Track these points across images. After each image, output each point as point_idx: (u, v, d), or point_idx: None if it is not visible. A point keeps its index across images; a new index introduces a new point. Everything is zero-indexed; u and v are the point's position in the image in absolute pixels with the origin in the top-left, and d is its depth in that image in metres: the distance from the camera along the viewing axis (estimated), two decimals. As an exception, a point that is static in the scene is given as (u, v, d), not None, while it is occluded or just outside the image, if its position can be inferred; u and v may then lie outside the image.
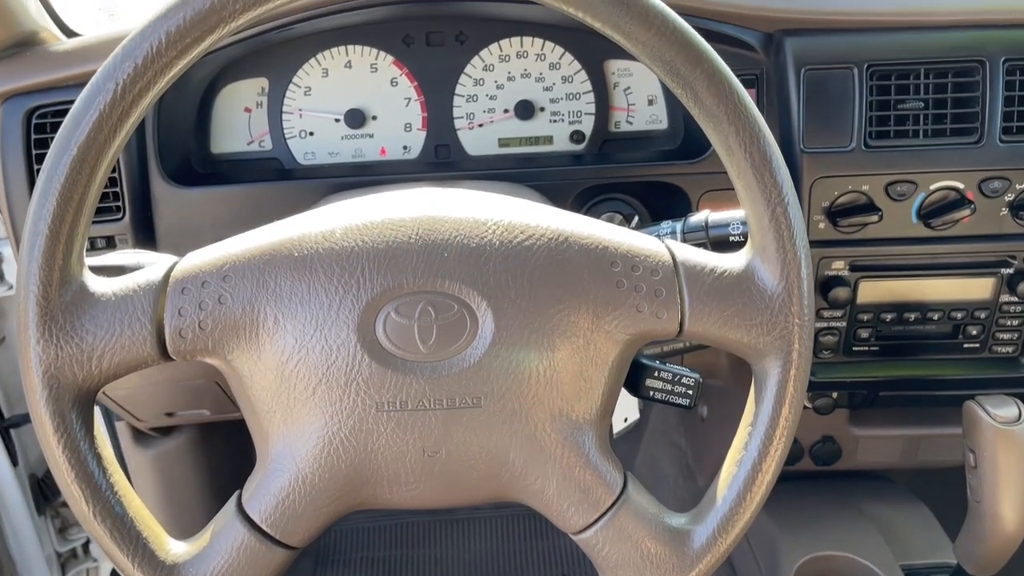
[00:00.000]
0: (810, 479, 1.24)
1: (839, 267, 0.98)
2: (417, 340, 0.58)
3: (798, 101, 0.89)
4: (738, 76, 0.91)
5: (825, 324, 1.01)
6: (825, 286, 0.98)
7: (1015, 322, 1.00)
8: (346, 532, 1.66)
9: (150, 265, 0.62)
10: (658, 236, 0.68)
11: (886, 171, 0.92)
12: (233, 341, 0.58)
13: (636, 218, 0.96)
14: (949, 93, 0.89)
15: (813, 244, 0.96)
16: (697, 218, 0.80)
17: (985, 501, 0.92)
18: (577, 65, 1.01)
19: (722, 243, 0.78)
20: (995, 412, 0.91)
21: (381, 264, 0.58)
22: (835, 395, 1.08)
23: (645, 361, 0.71)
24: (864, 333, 1.02)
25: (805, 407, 1.09)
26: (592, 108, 1.02)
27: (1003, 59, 0.87)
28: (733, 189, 0.94)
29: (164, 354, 0.59)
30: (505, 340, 0.58)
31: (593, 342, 0.61)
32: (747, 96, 0.60)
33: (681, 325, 0.61)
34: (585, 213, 0.95)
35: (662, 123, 1.02)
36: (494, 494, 0.64)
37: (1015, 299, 0.98)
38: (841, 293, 0.98)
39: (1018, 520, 0.92)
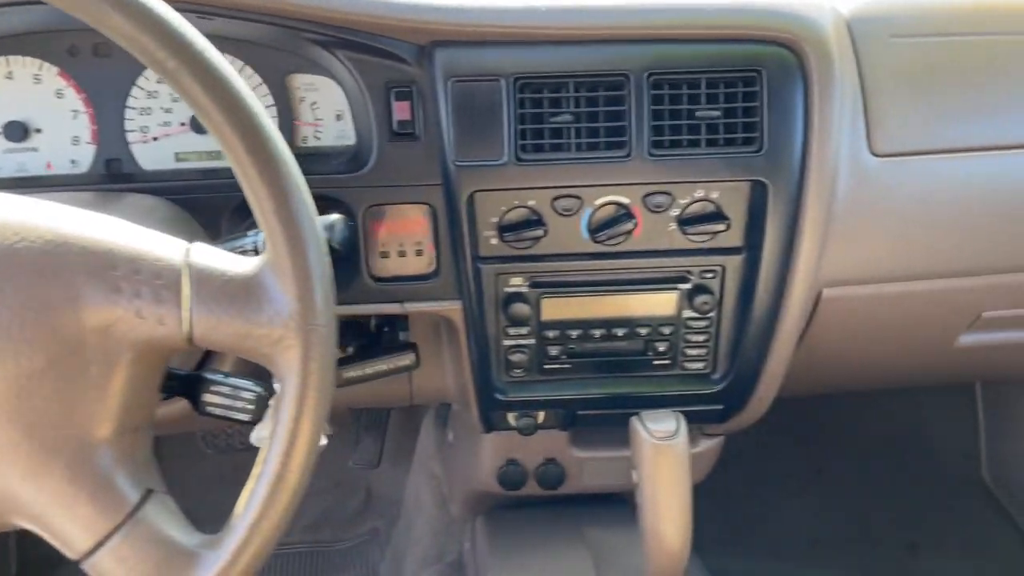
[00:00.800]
0: (543, 505, 1.21)
1: (518, 283, 0.96)
2: None
3: (447, 113, 0.88)
4: (393, 89, 0.92)
5: (513, 342, 1.00)
6: (506, 303, 0.97)
7: (701, 338, 1.00)
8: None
9: None
10: (240, 247, 0.65)
11: (548, 185, 0.91)
12: None
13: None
14: (601, 107, 0.89)
15: (486, 260, 0.94)
16: None
17: (647, 520, 0.91)
18: (258, 78, 0.98)
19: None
20: (653, 428, 0.91)
21: None
22: (540, 416, 1.06)
23: (207, 375, 0.67)
24: (554, 350, 1.00)
25: (510, 428, 1.07)
26: (276, 123, 0.99)
27: (647, 73, 0.88)
28: (403, 204, 0.95)
29: None
30: None
31: (93, 351, 0.57)
32: (241, 89, 0.57)
33: (190, 332, 0.58)
34: (245, 229, 0.92)
35: (351, 139, 1.00)
36: None
37: (696, 315, 0.98)
38: (520, 310, 0.96)
39: (680, 540, 0.90)
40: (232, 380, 0.66)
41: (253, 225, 0.83)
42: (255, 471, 0.60)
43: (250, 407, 0.66)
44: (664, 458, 0.89)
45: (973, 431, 1.75)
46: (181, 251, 0.59)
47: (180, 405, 0.70)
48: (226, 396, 0.66)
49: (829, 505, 1.72)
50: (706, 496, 1.62)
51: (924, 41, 0.93)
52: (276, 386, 0.66)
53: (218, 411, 0.66)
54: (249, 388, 0.66)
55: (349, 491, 1.67)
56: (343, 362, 1.04)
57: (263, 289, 0.58)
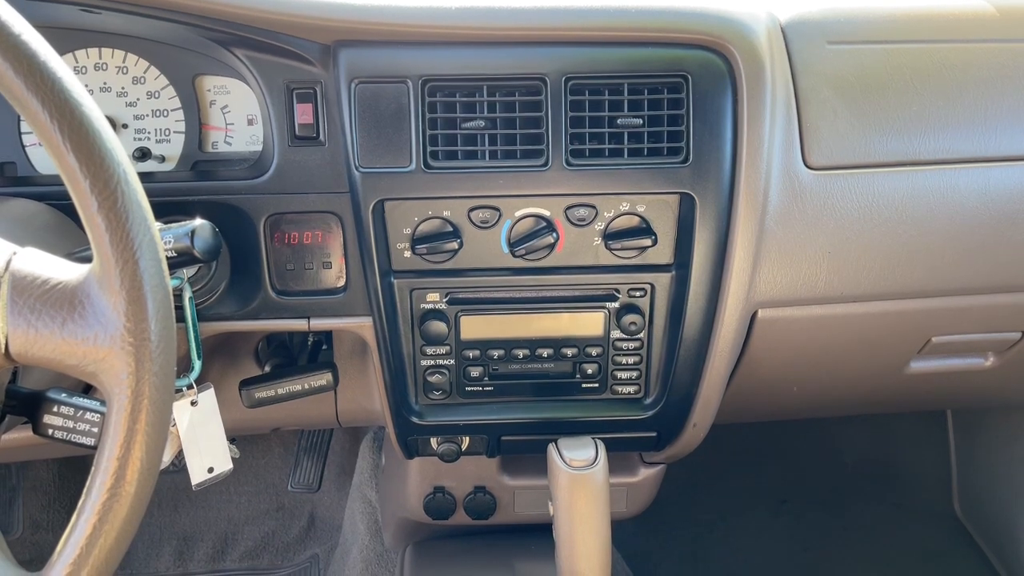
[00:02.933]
0: (475, 535, 1.15)
1: (435, 299, 0.91)
2: None
3: (351, 117, 0.83)
4: (294, 90, 0.86)
5: (431, 362, 0.94)
6: (422, 321, 0.91)
7: (631, 360, 0.94)
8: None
9: None
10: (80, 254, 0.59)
11: (463, 195, 0.86)
12: None
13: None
14: (516, 113, 0.84)
15: (399, 274, 0.89)
16: None
17: (562, 557, 0.85)
18: (164, 80, 0.93)
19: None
20: (569, 456, 0.84)
21: None
22: (464, 442, 1.00)
23: (49, 393, 0.61)
24: (475, 372, 0.94)
25: (431, 454, 1.01)
26: (183, 127, 0.94)
27: (564, 77, 0.82)
28: (308, 213, 0.89)
29: None
30: None
31: None
32: (61, 77, 0.51)
33: (4, 346, 0.52)
34: None
35: (259, 145, 0.95)
36: None
37: (625, 335, 0.93)
38: (437, 328, 0.90)
39: None
40: (77, 400, 0.60)
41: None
42: (80, 502, 0.53)
43: (95, 430, 0.60)
44: (581, 489, 0.83)
45: (945, 459, 1.69)
46: (4, 256, 0.53)
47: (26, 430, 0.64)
48: (68, 418, 0.60)
49: (789, 537, 1.65)
50: (658, 525, 1.56)
51: (863, 48, 0.87)
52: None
53: (59, 434, 0.60)
54: (95, 409, 0.60)
55: (292, 515, 1.60)
56: (254, 382, 0.98)
57: (89, 301, 0.52)
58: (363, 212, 0.84)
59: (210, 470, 0.93)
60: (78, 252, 0.69)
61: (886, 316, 0.95)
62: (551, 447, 0.86)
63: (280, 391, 0.98)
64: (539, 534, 1.15)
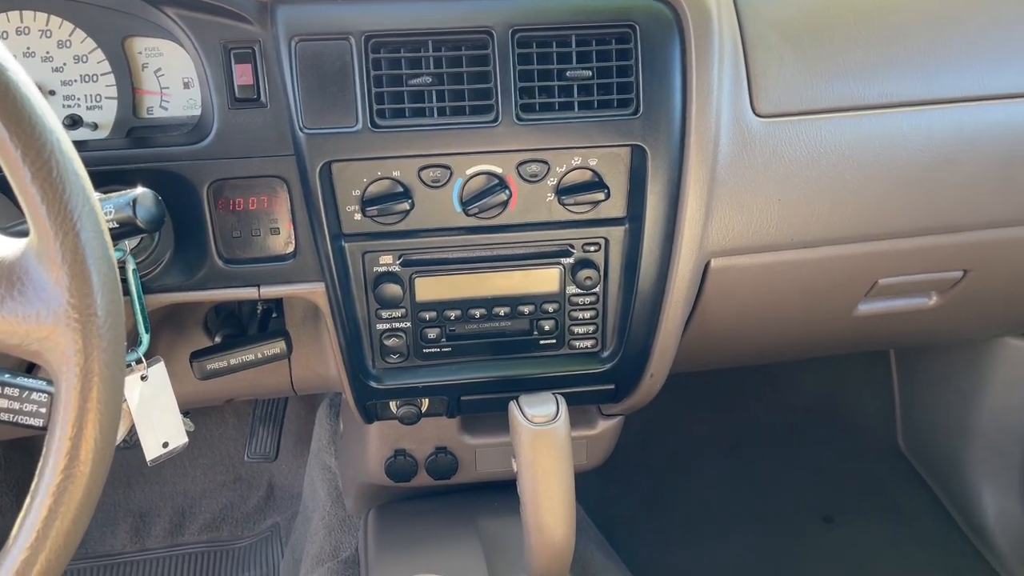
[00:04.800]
0: (437, 495, 1.15)
1: (388, 262, 0.89)
2: None
3: (293, 76, 0.80)
4: (232, 50, 0.83)
5: (387, 326, 0.92)
6: (376, 283, 0.89)
7: (587, 315, 0.94)
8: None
9: None
10: (15, 228, 0.56)
11: (413, 154, 0.84)
12: None
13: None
14: (464, 67, 0.82)
15: (350, 237, 0.87)
16: None
17: (528, 512, 0.85)
18: (91, 43, 0.89)
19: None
20: (531, 412, 0.85)
21: None
22: (424, 403, 0.99)
23: (-9, 375, 0.58)
24: (432, 333, 0.93)
25: (390, 417, 1.00)
26: (114, 92, 0.90)
27: (511, 30, 0.81)
28: (252, 178, 0.87)
29: None
30: None
31: None
32: None
33: None
34: None
35: (197, 109, 0.91)
36: None
37: (581, 291, 0.93)
38: (392, 291, 0.89)
39: (562, 532, 0.85)
40: (21, 380, 0.58)
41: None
42: (33, 484, 0.52)
43: (43, 411, 0.58)
44: (544, 444, 0.83)
45: (889, 399, 1.74)
46: None
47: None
48: (13, 399, 0.57)
49: (743, 480, 1.69)
50: (617, 474, 1.59)
51: (808, -8, 0.87)
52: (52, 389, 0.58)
53: (4, 416, 0.58)
54: (41, 388, 0.58)
55: (250, 485, 1.59)
56: (205, 353, 0.96)
57: (28, 276, 0.49)
58: (310, 175, 0.82)
59: (165, 445, 0.91)
60: (12, 226, 0.65)
61: (834, 261, 0.96)
62: (512, 404, 0.86)
63: (232, 361, 0.96)
64: (501, 491, 1.16)
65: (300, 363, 1.07)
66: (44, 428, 0.59)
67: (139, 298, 0.81)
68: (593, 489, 1.53)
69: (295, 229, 0.87)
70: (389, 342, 0.93)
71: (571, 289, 0.93)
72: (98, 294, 0.50)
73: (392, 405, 0.99)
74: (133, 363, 0.87)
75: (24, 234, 0.53)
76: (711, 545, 1.54)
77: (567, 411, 0.85)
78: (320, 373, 1.08)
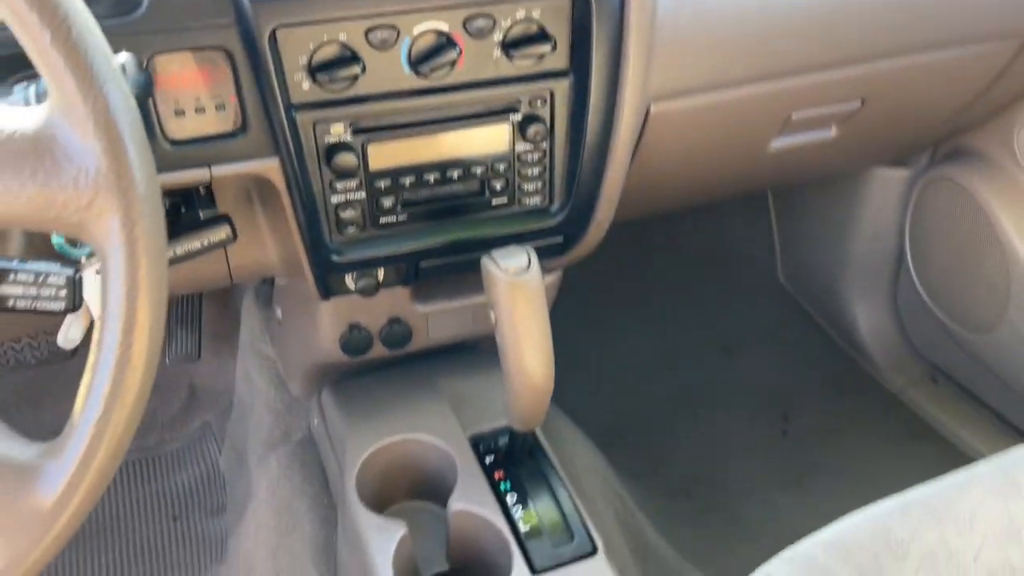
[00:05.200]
0: (390, 366, 1.18)
1: (340, 131, 0.88)
2: None
3: (231, -66, 0.75)
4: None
5: (343, 198, 0.92)
6: (329, 154, 0.88)
7: (536, 170, 0.97)
8: None
9: None
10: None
11: (358, 14, 0.82)
12: None
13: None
14: None
15: (301, 108, 0.85)
16: None
17: (510, 358, 0.89)
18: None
19: None
20: (505, 264, 0.88)
21: None
22: (380, 274, 1.00)
23: (-1, 264, 0.55)
24: (387, 202, 0.94)
25: (349, 292, 1.01)
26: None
27: None
28: (191, 50, 0.82)
29: None
30: None
31: None
32: None
33: None
34: (12, 84, 0.76)
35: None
36: None
37: (529, 146, 0.95)
38: (348, 160, 0.88)
39: (543, 373, 0.90)
40: (32, 265, 0.55)
41: (23, 79, 0.68)
42: (91, 360, 0.50)
43: (62, 293, 0.55)
44: (520, 293, 0.87)
45: (769, 239, 1.89)
46: None
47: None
48: (29, 284, 0.55)
49: (654, 330, 1.81)
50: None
51: None
52: (86, 270, 0.56)
53: (23, 303, 0.55)
54: (55, 271, 0.55)
55: (170, 390, 1.55)
56: (172, 234, 0.92)
57: (57, 144, 0.47)
58: (259, 43, 0.79)
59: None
60: (11, 96, 0.60)
61: (756, 99, 1.03)
62: (485, 259, 0.89)
63: (178, 251, 0.92)
64: (452, 354, 1.20)
65: (237, 250, 1.04)
66: (64, 312, 0.57)
67: None
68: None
69: (241, 104, 0.83)
70: (345, 214, 0.92)
71: (520, 146, 0.95)
72: (134, 158, 0.48)
73: (348, 279, 1.00)
74: (83, 258, 0.83)
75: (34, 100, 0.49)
76: (630, 391, 1.66)
77: (538, 260, 0.89)
78: (257, 259, 1.06)
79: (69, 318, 0.86)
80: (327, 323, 1.09)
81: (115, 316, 0.49)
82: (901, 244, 1.60)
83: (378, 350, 1.12)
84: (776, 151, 1.14)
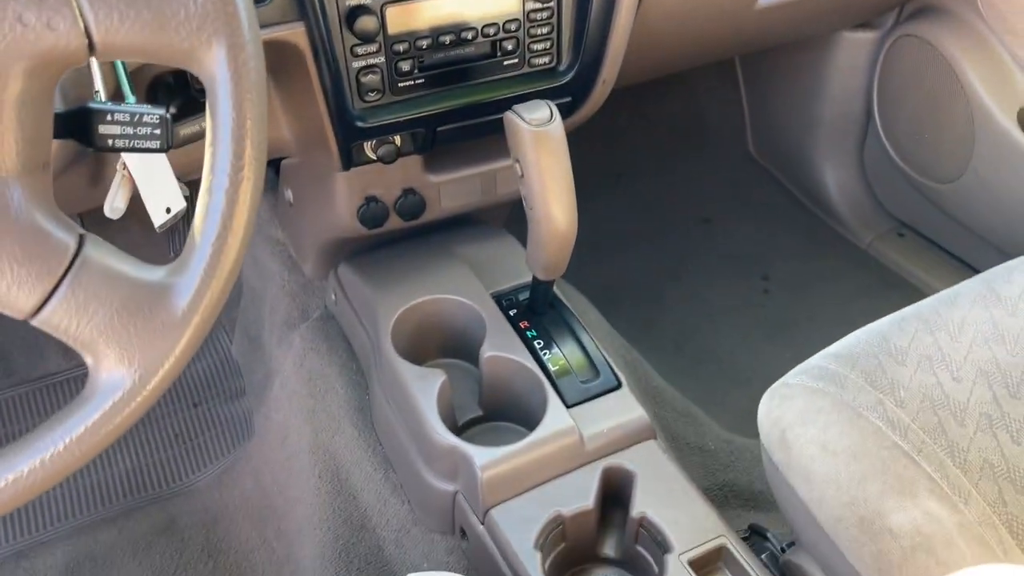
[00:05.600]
0: (405, 238, 1.22)
1: (360, -6, 0.90)
2: None
3: None
4: None
5: (363, 62, 0.95)
6: (350, 18, 0.90)
7: (544, 30, 1.01)
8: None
9: None
10: None
11: None
12: None
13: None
14: None
15: (324, -29, 0.87)
16: None
17: (536, 207, 0.95)
18: None
19: None
20: (529, 117, 0.92)
21: None
22: (398, 141, 1.03)
23: (94, 105, 0.58)
24: (405, 66, 0.97)
25: (371, 160, 1.04)
26: None
27: None
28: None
29: None
30: None
31: None
32: None
33: (89, 36, 0.49)
34: None
35: None
36: None
37: (538, 4, 0.98)
38: (368, 23, 0.90)
39: (567, 219, 0.95)
40: (126, 107, 0.58)
41: None
42: (204, 184, 0.54)
43: (157, 132, 0.59)
44: (545, 142, 0.91)
45: (739, 109, 1.95)
46: None
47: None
48: (126, 124, 0.58)
49: (632, 204, 1.88)
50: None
51: None
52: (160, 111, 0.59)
53: (121, 142, 0.58)
54: (149, 111, 0.58)
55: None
56: (173, 119, 0.94)
57: None
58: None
59: (168, 210, 0.92)
60: None
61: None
62: (509, 114, 0.93)
63: (203, 124, 0.95)
64: (463, 224, 1.25)
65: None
66: (162, 150, 0.60)
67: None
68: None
69: (265, -33, 0.85)
70: (366, 79, 0.95)
71: (530, 5, 0.98)
72: None
73: (367, 148, 1.03)
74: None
75: None
76: (616, 262, 1.73)
77: (559, 112, 0.94)
78: (270, 136, 1.08)
79: (114, 187, 0.89)
80: (344, 197, 1.13)
81: (225, 140, 0.53)
82: (868, 105, 1.68)
83: (394, 222, 1.16)
84: (762, 8, 1.19)
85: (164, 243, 1.58)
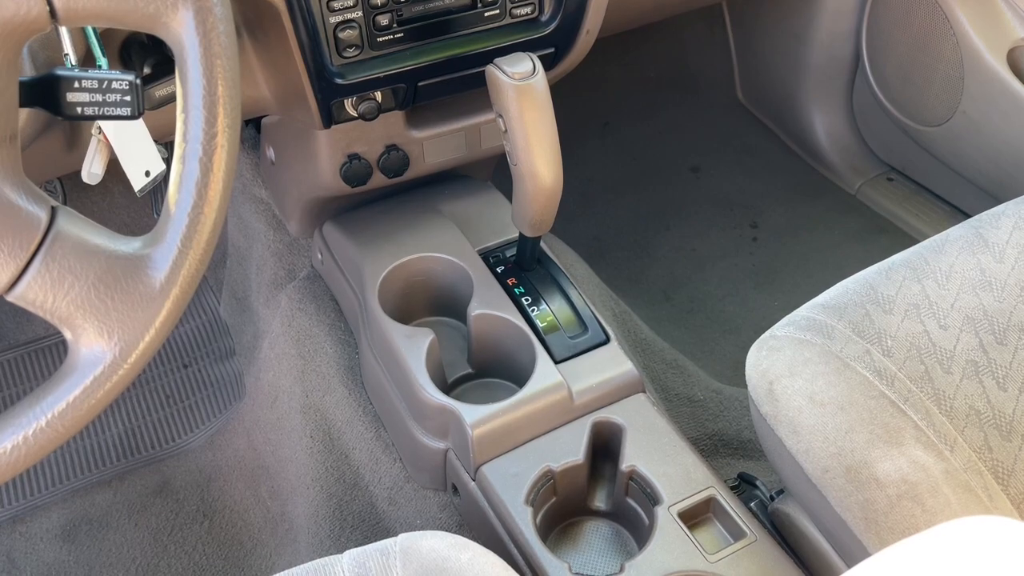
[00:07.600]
0: (389, 195, 1.21)
1: (334, -54, 0.87)
2: None
3: None
4: None
5: (341, 17, 0.92)
6: (325, -29, 0.88)
7: (526, -21, 0.98)
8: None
9: None
10: None
11: None
12: None
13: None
14: None
15: (294, -78, 0.84)
16: None
17: (521, 163, 0.93)
18: None
19: None
20: (512, 70, 0.90)
21: None
22: (379, 97, 1.01)
23: (61, 72, 0.56)
24: (384, 20, 0.94)
25: (352, 118, 1.02)
26: None
27: None
28: None
29: None
30: None
31: None
32: None
33: (50, 3, 0.48)
34: None
35: None
36: None
37: (519, -47, 0.96)
38: (342, -25, 0.88)
39: (553, 175, 0.94)
40: (94, 72, 0.56)
41: None
42: (177, 152, 0.53)
43: (127, 99, 0.57)
44: (528, 96, 0.90)
45: (727, 57, 1.92)
46: None
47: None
48: (95, 91, 0.56)
49: (620, 152, 1.86)
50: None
51: None
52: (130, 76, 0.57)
53: (90, 110, 0.57)
54: (118, 77, 0.57)
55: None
56: (150, 80, 0.92)
57: None
58: None
59: (147, 173, 0.90)
60: None
61: None
62: (491, 68, 0.91)
63: (161, 93, 0.93)
64: (445, 181, 1.24)
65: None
66: (133, 117, 0.58)
67: None
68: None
69: (236, -80, 0.82)
70: (343, 34, 0.93)
71: (510, -47, 0.96)
72: None
73: (347, 105, 1.01)
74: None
75: None
76: (604, 213, 1.72)
77: (542, 64, 0.92)
78: (251, 96, 1.06)
79: (90, 153, 0.87)
80: (326, 155, 1.11)
81: (197, 107, 0.52)
82: (856, 49, 1.65)
83: (378, 179, 1.14)
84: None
85: (147, 203, 1.56)
